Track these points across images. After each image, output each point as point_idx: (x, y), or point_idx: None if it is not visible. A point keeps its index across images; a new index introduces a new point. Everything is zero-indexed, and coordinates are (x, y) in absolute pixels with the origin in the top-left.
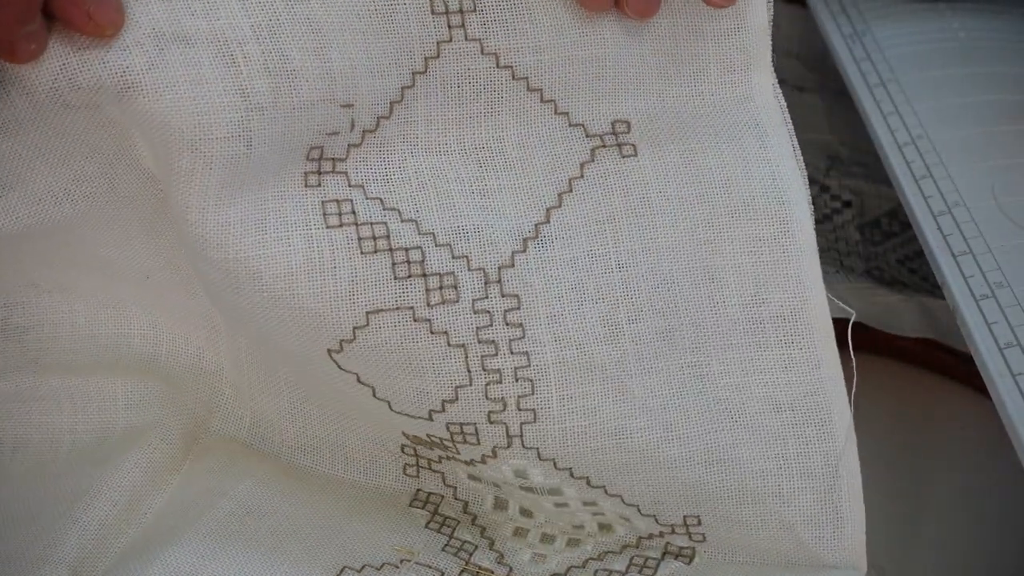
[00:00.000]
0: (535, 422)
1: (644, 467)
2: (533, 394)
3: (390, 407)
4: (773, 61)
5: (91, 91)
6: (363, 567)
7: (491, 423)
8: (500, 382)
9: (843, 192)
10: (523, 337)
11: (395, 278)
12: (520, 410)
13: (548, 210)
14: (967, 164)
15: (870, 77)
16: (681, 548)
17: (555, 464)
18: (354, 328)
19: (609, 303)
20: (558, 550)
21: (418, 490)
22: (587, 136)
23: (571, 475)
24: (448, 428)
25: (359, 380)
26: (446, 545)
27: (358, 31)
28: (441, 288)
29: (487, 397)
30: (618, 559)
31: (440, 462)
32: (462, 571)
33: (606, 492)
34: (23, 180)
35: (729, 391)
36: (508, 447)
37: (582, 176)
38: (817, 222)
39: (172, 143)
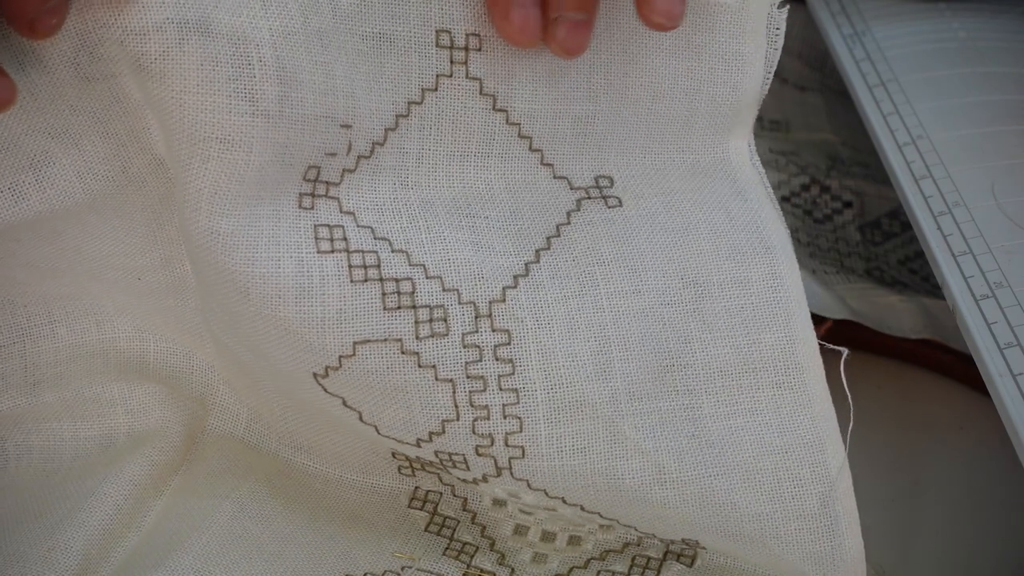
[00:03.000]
0: (523, 458)
1: (637, 505)
2: (521, 431)
3: (377, 431)
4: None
5: (111, 61)
6: (365, 575)
7: (479, 455)
8: (488, 419)
9: (844, 192)
10: (513, 373)
11: (385, 308)
12: (508, 446)
13: (537, 251)
14: (967, 164)
15: (870, 77)
16: (683, 549)
17: (547, 493)
18: (340, 356)
19: (600, 341)
20: (559, 549)
21: (416, 487)
22: (571, 188)
23: (564, 502)
24: (437, 455)
25: (345, 404)
26: (447, 548)
27: (360, 52)
28: (431, 321)
29: (474, 432)
30: (620, 559)
31: (433, 465)
32: (464, 575)
33: (601, 516)
34: (36, 163)
35: (721, 433)
36: (498, 476)
37: (569, 223)
38: (818, 222)
39: (174, 131)
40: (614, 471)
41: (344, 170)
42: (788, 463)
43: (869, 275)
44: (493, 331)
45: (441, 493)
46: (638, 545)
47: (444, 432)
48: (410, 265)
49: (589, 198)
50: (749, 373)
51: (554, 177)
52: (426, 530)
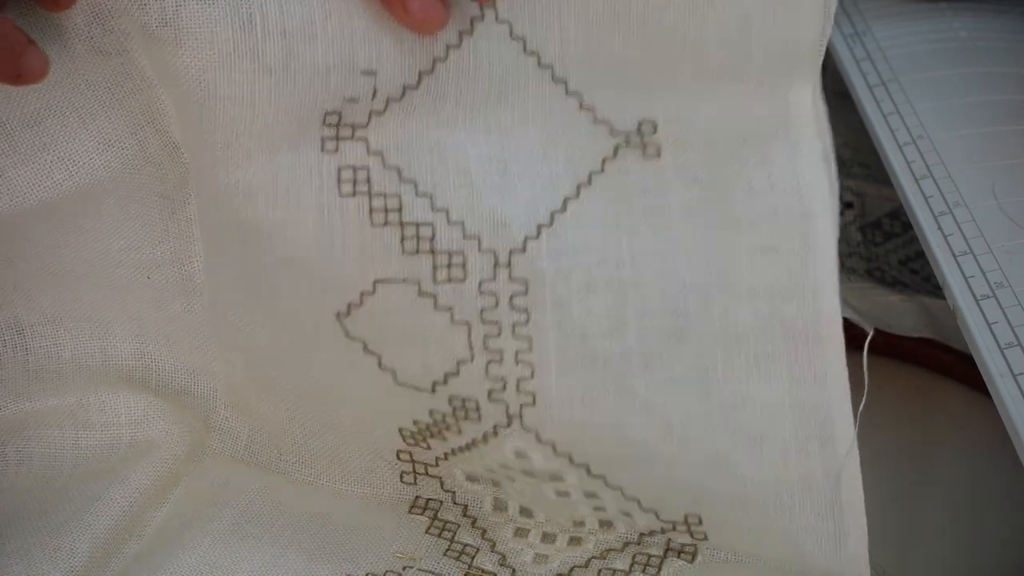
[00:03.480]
0: (534, 405)
1: (643, 463)
2: (533, 378)
3: (395, 379)
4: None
5: (123, 35)
6: (366, 575)
7: (491, 401)
8: (500, 362)
9: (844, 193)
10: (527, 322)
11: (403, 252)
12: (519, 392)
13: (566, 199)
14: (967, 164)
15: (870, 77)
16: (684, 545)
17: (554, 448)
18: (361, 293)
19: (618, 298)
20: (560, 549)
21: (416, 497)
22: (611, 134)
23: (571, 461)
24: (451, 402)
25: (366, 348)
26: (448, 550)
27: None
28: (449, 266)
29: (487, 375)
30: (620, 557)
31: (437, 465)
32: (465, 575)
33: (606, 483)
34: (58, 140)
35: (733, 398)
36: (508, 426)
37: (603, 171)
38: None
39: (182, 95)
40: (621, 425)
41: (372, 112)
42: (797, 435)
43: (870, 275)
44: (511, 280)
45: (442, 501)
46: (639, 544)
47: (459, 373)
48: (433, 210)
49: (628, 145)
50: (768, 342)
51: (594, 122)
52: (427, 532)
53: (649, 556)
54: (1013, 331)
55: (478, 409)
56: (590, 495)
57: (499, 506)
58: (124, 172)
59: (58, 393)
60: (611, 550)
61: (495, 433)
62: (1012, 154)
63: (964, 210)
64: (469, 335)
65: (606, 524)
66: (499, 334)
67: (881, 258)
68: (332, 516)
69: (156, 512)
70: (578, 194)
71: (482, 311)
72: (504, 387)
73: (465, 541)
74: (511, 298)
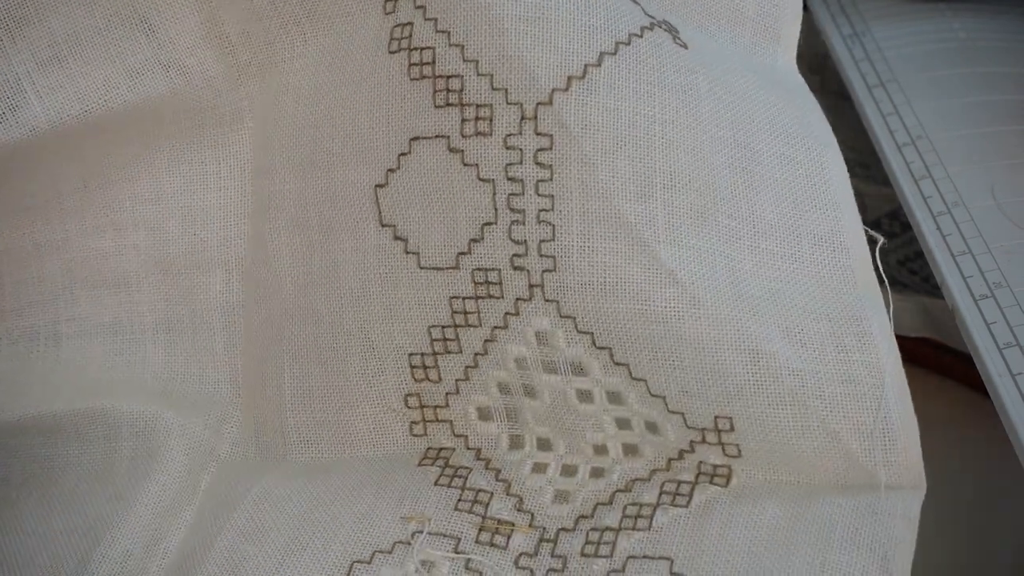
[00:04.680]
0: (555, 271)
1: (669, 343)
2: (554, 239)
3: (418, 263)
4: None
5: None
6: (373, 556)
7: (514, 268)
8: (523, 223)
9: None
10: (550, 180)
11: (435, 106)
12: (541, 256)
13: (602, 54)
14: (967, 164)
15: (869, 78)
16: (716, 467)
17: (576, 325)
18: (399, 155)
19: (646, 163)
20: (581, 484)
21: (428, 448)
22: (645, 14)
23: (594, 343)
24: (473, 277)
25: (395, 236)
26: (459, 500)
27: None
28: (476, 119)
29: (510, 238)
30: (647, 488)
31: (447, 405)
32: (480, 530)
33: (631, 375)
34: (124, 52)
35: (761, 292)
36: (530, 299)
37: (642, 36)
38: None
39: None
40: (645, 296)
41: None
42: (833, 328)
43: None
44: (536, 134)
45: (453, 448)
46: (667, 470)
47: (483, 239)
48: (463, 61)
49: (660, 27)
50: (793, 243)
51: None
52: (436, 484)
53: (679, 483)
54: (1012, 331)
55: (500, 282)
56: (614, 398)
57: (516, 443)
58: (186, 92)
59: (71, 402)
60: (637, 480)
61: (516, 312)
62: (1011, 154)
63: (963, 210)
64: (494, 194)
65: (631, 449)
66: (523, 192)
67: (880, 258)
68: (336, 490)
69: (173, 537)
70: (616, 51)
71: (507, 167)
72: (526, 251)
73: (478, 486)
74: (536, 153)
